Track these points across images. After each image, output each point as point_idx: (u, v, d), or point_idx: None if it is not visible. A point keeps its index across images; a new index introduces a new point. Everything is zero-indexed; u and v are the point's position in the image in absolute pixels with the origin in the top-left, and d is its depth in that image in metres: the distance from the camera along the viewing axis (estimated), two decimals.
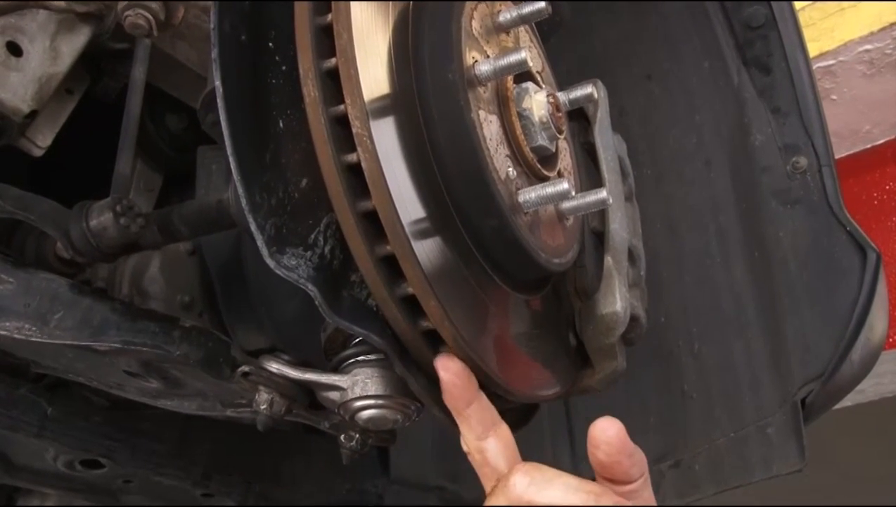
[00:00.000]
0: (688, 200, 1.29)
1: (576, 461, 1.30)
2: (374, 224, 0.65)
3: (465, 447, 0.72)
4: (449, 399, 0.70)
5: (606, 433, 0.65)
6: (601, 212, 0.89)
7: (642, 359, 1.22)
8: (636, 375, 1.16)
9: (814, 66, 1.26)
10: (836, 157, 1.21)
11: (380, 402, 0.75)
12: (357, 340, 0.77)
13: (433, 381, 0.71)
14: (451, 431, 0.73)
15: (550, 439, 1.33)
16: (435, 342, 0.69)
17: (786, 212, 1.19)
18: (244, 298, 0.97)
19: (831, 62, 2.10)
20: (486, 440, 0.70)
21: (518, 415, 0.86)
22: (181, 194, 1.17)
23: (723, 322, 1.24)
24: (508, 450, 0.70)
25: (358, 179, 0.65)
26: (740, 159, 1.23)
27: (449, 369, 0.69)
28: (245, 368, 0.78)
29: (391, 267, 0.66)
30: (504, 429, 0.71)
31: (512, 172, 0.72)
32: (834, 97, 2.20)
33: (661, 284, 1.27)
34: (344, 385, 0.76)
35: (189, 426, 1.14)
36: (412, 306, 0.67)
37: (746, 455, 1.22)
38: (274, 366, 0.79)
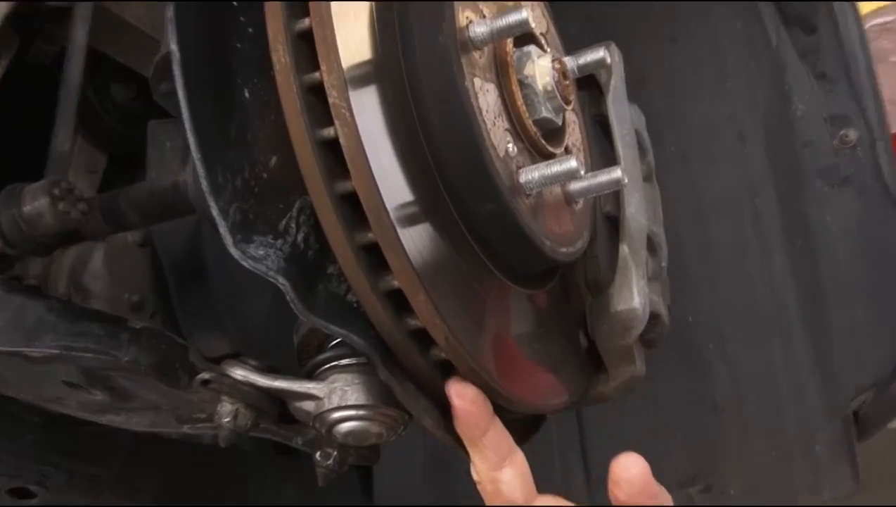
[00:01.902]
0: (718, 180, 1.32)
1: (590, 483, 1.33)
2: (355, 208, 0.68)
3: (475, 477, 0.76)
4: (463, 428, 0.74)
5: (629, 471, 0.69)
6: (616, 194, 0.92)
7: (666, 364, 1.25)
8: (659, 383, 1.19)
9: (867, 24, 1.29)
10: (893, 130, 1.24)
11: (361, 413, 0.78)
12: (335, 341, 0.80)
13: (428, 391, 0.74)
14: (462, 457, 0.77)
15: (560, 456, 1.36)
16: (424, 343, 0.72)
17: (833, 193, 1.22)
18: (203, 296, 1.00)
19: (888, 18, 2.12)
20: (501, 470, 0.74)
21: (521, 428, 0.89)
22: (129, 176, 1.18)
23: (760, 322, 1.27)
24: (524, 480, 0.74)
25: (335, 157, 0.67)
26: (779, 133, 1.26)
27: (464, 397, 0.72)
28: (205, 375, 0.81)
29: (374, 257, 0.69)
30: (519, 457, 0.75)
31: (512, 148, 0.75)
32: (894, 59, 2.23)
33: (687, 277, 1.30)
34: (320, 394, 0.78)
35: (138, 447, 1.16)
36: (398, 301, 0.70)
37: (790, 478, 1.25)
38: (239, 373, 0.81)
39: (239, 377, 0.81)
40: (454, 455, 0.76)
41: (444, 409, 0.76)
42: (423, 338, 0.71)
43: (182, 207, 0.85)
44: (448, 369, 0.74)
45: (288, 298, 0.68)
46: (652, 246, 0.92)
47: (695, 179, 1.33)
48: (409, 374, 0.74)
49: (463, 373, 0.73)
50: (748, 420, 1.29)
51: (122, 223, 0.89)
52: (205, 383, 0.81)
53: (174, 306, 1.00)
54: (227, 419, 0.82)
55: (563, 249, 0.81)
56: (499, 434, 0.74)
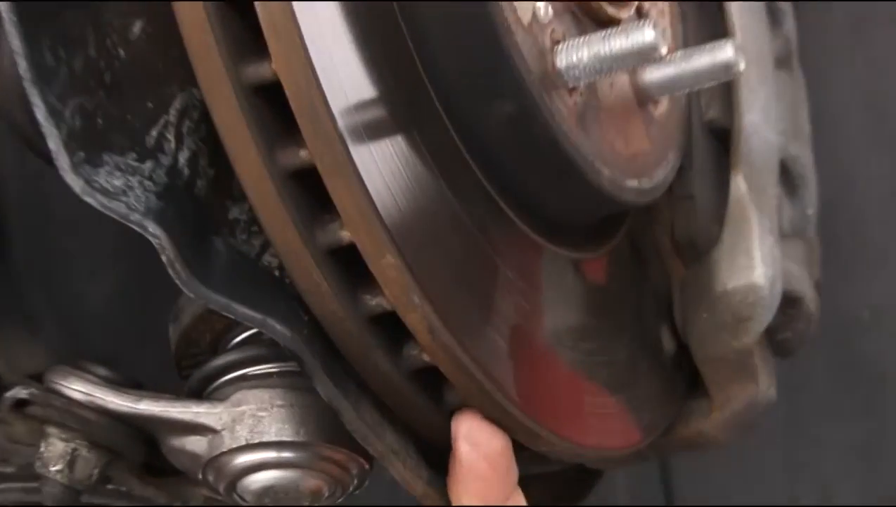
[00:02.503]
0: None
1: None
2: (277, 109, 0.71)
3: None
4: (464, 493, 0.78)
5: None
6: (726, 92, 0.95)
7: (818, 383, 1.29)
8: (806, 415, 1.22)
9: None
10: None
11: (285, 456, 0.81)
12: (241, 336, 0.84)
13: (401, 417, 0.78)
14: None
15: (629, 488, 1.42)
16: (395, 336, 0.76)
17: None
18: (6, 272, 1.01)
19: None
20: None
21: (562, 489, 0.93)
22: None
23: None
24: None
25: (246, 24, 0.70)
26: None
27: (479, 445, 0.76)
28: (20, 392, 0.84)
29: (310, 190, 0.72)
30: None
31: (544, 9, 0.78)
32: None
33: (857, 237, 1.32)
34: (215, 424, 0.82)
35: None
36: (351, 265, 0.73)
37: None
38: (77, 388, 0.84)
39: (77, 396, 0.84)
40: None
41: (425, 449, 0.80)
42: (392, 328, 0.75)
43: None
44: (432, 381, 0.78)
45: (164, 259, 0.71)
46: (789, 179, 0.95)
47: (871, 62, 1.34)
48: (369, 388, 0.77)
49: (459, 387, 0.77)
50: None
51: None
52: (19, 405, 0.84)
53: None
54: (56, 468, 0.84)
55: (633, 184, 0.84)
56: None
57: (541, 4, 0.78)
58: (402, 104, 0.75)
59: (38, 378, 0.88)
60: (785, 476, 1.43)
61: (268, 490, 0.82)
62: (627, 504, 1.44)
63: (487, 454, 0.77)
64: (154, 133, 0.75)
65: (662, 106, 0.88)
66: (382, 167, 0.72)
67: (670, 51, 0.84)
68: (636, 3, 0.86)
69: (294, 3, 0.69)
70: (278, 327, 0.74)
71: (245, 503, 0.84)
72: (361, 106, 0.72)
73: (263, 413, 0.81)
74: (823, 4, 1.08)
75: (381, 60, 0.73)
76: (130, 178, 0.72)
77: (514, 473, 0.79)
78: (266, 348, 0.83)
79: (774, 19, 1.01)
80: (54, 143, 0.69)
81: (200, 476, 0.84)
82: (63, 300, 1.05)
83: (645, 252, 0.94)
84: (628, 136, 0.84)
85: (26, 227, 1.02)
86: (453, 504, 0.80)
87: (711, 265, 0.89)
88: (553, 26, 0.79)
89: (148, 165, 0.73)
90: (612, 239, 0.90)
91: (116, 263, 0.80)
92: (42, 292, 1.06)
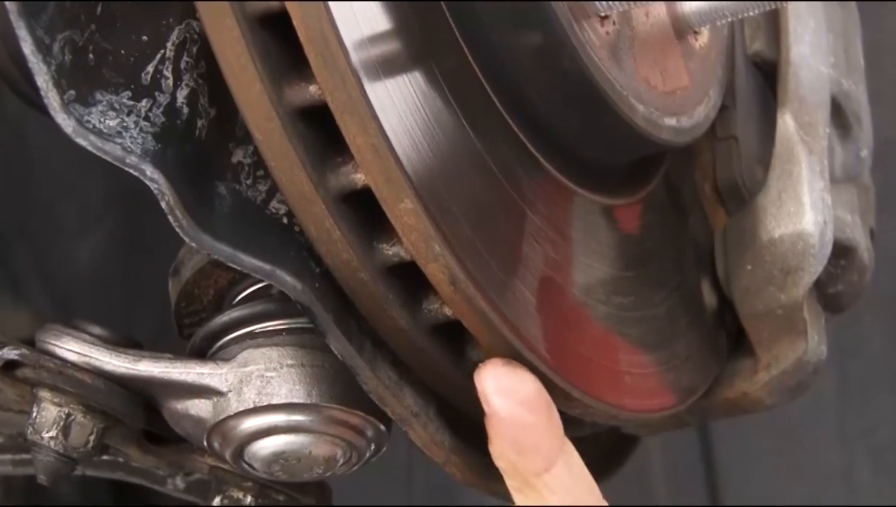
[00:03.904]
0: None
1: None
2: (284, 42, 0.69)
3: None
4: (508, 452, 0.76)
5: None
6: (772, 24, 0.93)
7: (872, 343, 1.27)
8: (859, 379, 1.21)
9: None
10: None
11: (296, 419, 0.80)
12: (247, 290, 0.83)
13: (421, 375, 0.77)
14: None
15: (665, 473, 1.40)
16: (414, 287, 0.74)
17: None
18: None
19: None
20: None
21: (596, 456, 0.91)
22: None
23: None
24: None
25: None
26: None
27: (513, 394, 0.74)
28: (10, 353, 0.82)
29: (321, 128, 0.70)
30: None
31: None
32: None
33: None
34: (220, 386, 0.80)
35: None
36: (366, 209, 0.72)
37: None
38: (72, 349, 0.83)
39: (72, 357, 0.82)
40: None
41: (449, 411, 0.79)
42: (411, 279, 0.74)
43: None
44: (454, 337, 0.76)
45: (163, 205, 0.70)
46: (841, 118, 0.93)
47: None
48: (386, 345, 0.76)
49: (483, 343, 0.75)
50: None
51: None
52: (8, 367, 0.83)
53: None
54: (49, 434, 0.83)
55: (670, 122, 0.82)
56: (573, 470, 0.76)
57: None
58: (420, 36, 0.73)
59: (27, 344, 0.87)
60: (837, 445, 1.42)
61: (278, 457, 0.80)
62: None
63: (523, 399, 0.74)
64: (150, 69, 0.73)
65: (703, 38, 0.86)
66: (399, 104, 0.71)
67: None
68: None
69: None
70: (288, 278, 0.72)
71: (254, 472, 0.83)
72: (376, 38, 0.70)
73: (272, 374, 0.80)
74: None
75: None
76: (125, 117, 0.71)
77: (557, 418, 0.76)
78: (274, 303, 0.82)
79: None
80: (43, 79, 0.68)
81: (205, 443, 0.83)
82: (49, 260, 1.04)
83: (684, 199, 0.92)
84: (665, 70, 0.83)
85: (5, 179, 1.01)
86: (500, 464, 0.77)
87: (756, 212, 0.88)
88: None
89: (144, 103, 0.72)
90: (648, 184, 0.88)
91: (106, 217, 0.78)
92: (26, 250, 1.05)
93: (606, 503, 0.79)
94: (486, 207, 0.76)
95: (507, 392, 0.74)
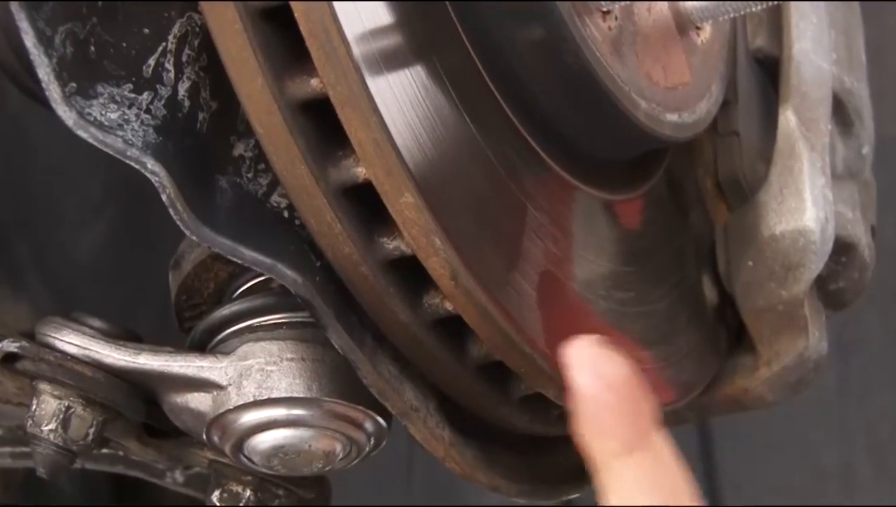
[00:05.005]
0: None
1: None
2: (285, 35, 0.70)
3: None
4: (585, 429, 0.74)
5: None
6: (774, 20, 0.94)
7: (873, 340, 1.29)
8: (860, 376, 1.22)
9: None
10: None
11: (296, 413, 0.81)
12: (247, 284, 0.84)
13: (421, 369, 0.78)
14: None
15: None
16: (415, 282, 0.75)
17: None
18: None
19: None
20: None
21: None
22: None
23: None
24: None
25: None
26: None
27: (598, 372, 0.73)
28: (9, 346, 0.83)
29: (322, 122, 0.71)
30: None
31: None
32: None
33: None
34: (220, 379, 0.81)
35: None
36: (367, 203, 0.72)
37: None
38: (72, 341, 0.83)
39: (71, 350, 0.83)
40: None
41: (449, 406, 0.79)
42: (412, 273, 0.74)
43: None
44: (455, 331, 0.77)
45: (164, 198, 0.71)
46: (843, 114, 0.94)
47: None
48: (386, 340, 0.77)
49: (484, 338, 0.76)
50: None
51: None
52: (7, 360, 0.84)
53: None
54: (49, 427, 0.84)
55: (672, 118, 0.83)
56: (659, 464, 0.75)
57: None
58: (422, 30, 0.74)
59: (27, 337, 0.88)
60: (837, 443, 1.43)
61: (277, 450, 0.81)
62: None
63: (608, 379, 0.73)
64: (151, 62, 0.74)
65: (705, 33, 0.87)
66: (400, 98, 0.71)
67: None
68: None
69: None
70: (289, 272, 0.73)
71: (253, 466, 0.84)
72: (378, 31, 0.71)
73: (272, 367, 0.81)
74: None
75: None
76: (127, 110, 0.72)
77: (647, 407, 0.74)
78: (275, 297, 0.83)
79: None
80: (44, 72, 0.69)
81: (204, 436, 0.84)
82: (49, 252, 1.04)
83: (685, 195, 0.93)
84: (667, 65, 0.83)
85: (6, 172, 1.02)
86: (578, 441, 0.75)
87: (758, 208, 0.88)
88: None
89: (145, 96, 0.73)
90: (649, 180, 0.89)
91: (106, 209, 0.79)
92: (26, 243, 1.05)
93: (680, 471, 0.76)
94: (487, 201, 0.76)
95: (592, 370, 0.73)
